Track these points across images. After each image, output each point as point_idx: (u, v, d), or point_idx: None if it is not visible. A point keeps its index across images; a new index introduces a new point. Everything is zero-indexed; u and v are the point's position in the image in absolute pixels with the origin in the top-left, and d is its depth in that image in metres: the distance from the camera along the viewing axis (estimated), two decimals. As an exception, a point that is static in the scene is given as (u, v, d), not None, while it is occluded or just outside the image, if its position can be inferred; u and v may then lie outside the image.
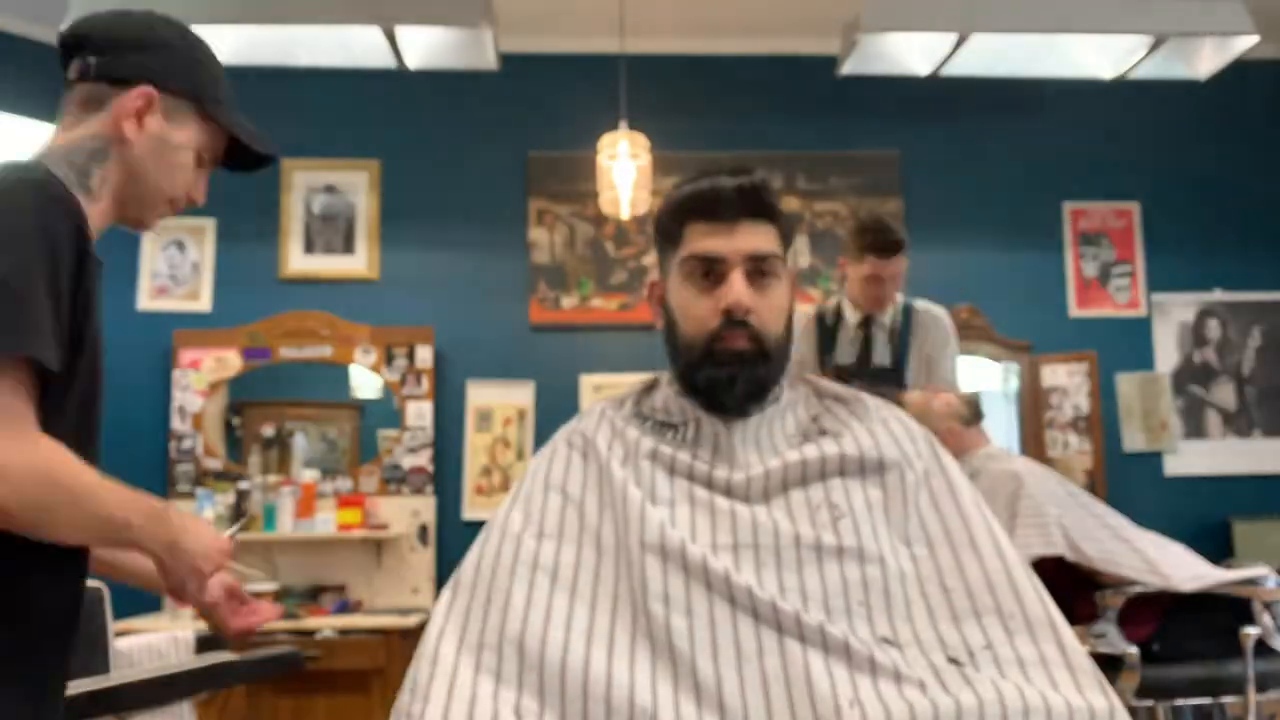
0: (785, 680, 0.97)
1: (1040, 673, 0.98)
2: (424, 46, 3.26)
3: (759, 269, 1.19)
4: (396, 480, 4.08)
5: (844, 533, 1.09)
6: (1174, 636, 2.26)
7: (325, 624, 3.50)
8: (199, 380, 4.07)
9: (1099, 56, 3.50)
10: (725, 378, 1.18)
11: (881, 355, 2.78)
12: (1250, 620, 2.17)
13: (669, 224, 1.24)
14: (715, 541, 1.08)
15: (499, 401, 4.17)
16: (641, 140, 3.53)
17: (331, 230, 4.27)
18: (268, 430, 4.16)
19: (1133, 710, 2.17)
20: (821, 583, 1.05)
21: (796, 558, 1.07)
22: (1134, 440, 4.28)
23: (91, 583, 2.16)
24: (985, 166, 4.44)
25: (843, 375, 2.61)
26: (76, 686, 2.06)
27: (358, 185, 4.29)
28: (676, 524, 1.10)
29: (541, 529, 1.11)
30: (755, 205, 1.19)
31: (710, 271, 1.19)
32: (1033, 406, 4.21)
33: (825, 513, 1.12)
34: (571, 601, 1.04)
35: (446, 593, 1.08)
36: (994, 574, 1.07)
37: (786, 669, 0.97)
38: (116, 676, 2.16)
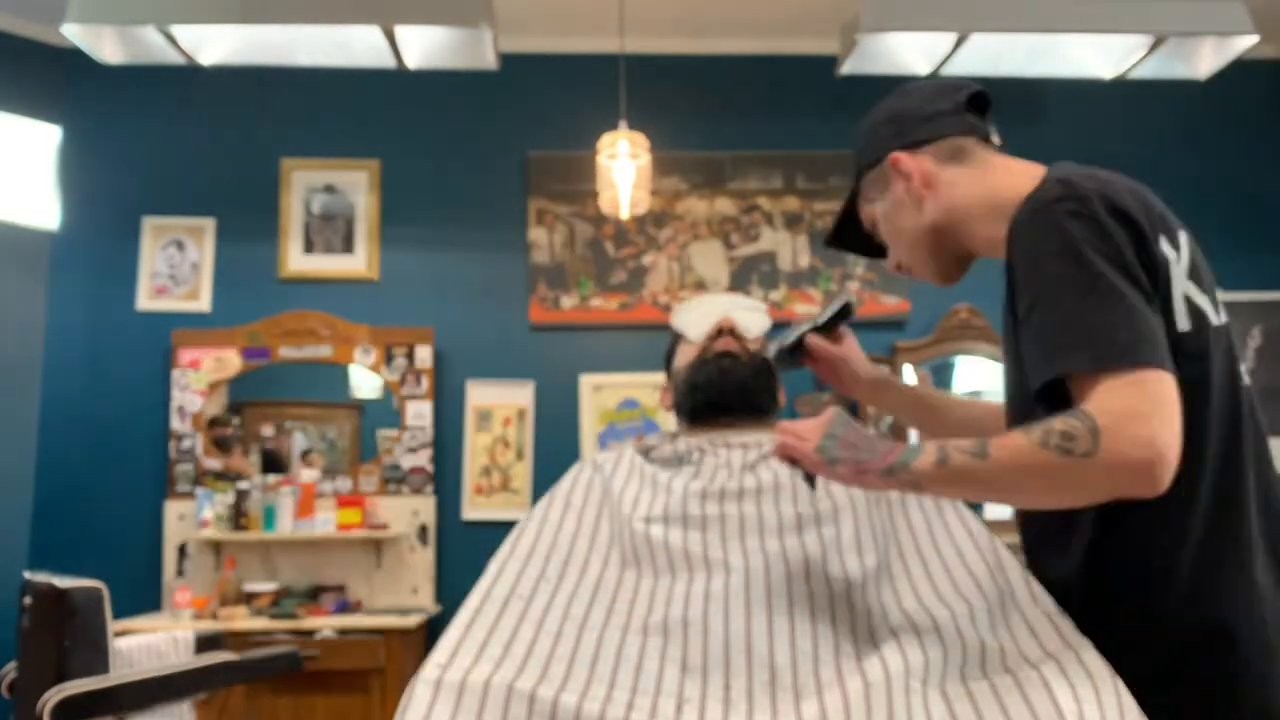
0: (784, 555, 1.16)
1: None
2: (424, 46, 3.25)
3: None
4: (396, 480, 4.08)
5: (822, 511, 1.25)
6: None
7: (325, 624, 3.50)
8: (199, 380, 4.07)
9: (1099, 56, 3.50)
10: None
11: None
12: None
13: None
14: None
15: (499, 401, 4.17)
16: (641, 140, 3.53)
17: (331, 230, 4.27)
18: (268, 430, 4.15)
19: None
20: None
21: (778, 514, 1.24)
22: (1134, 440, 4.27)
23: (91, 583, 2.17)
24: (985, 166, 4.43)
25: None
26: (76, 687, 2.06)
27: (357, 185, 4.29)
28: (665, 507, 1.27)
29: (555, 540, 1.26)
30: None
31: None
32: (1032, 406, 4.20)
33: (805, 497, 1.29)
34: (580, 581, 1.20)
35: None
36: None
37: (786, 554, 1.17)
38: (116, 676, 2.16)
